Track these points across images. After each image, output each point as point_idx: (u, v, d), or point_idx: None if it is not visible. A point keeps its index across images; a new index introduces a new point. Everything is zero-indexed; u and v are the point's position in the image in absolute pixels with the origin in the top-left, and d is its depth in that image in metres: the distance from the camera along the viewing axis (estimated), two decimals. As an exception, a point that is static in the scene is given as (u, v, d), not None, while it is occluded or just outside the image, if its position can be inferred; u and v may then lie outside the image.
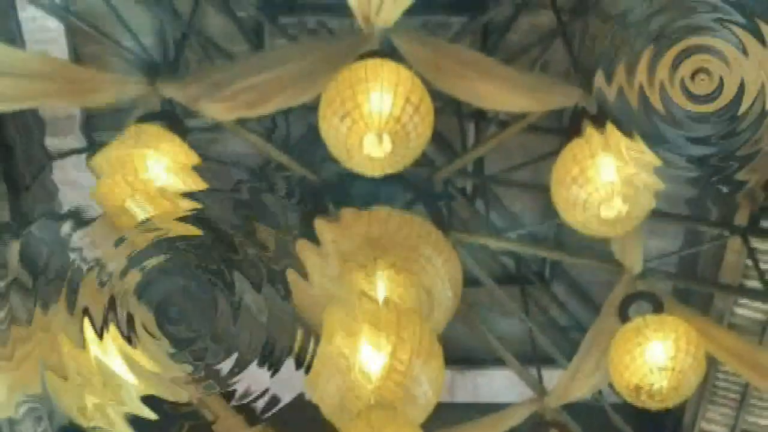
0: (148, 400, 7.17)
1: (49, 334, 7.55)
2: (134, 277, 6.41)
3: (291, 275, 6.00)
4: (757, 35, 6.69)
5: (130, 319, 7.48)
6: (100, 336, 7.61)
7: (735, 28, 6.87)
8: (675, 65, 6.87)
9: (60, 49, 9.58)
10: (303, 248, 7.67)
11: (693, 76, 6.92)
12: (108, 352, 7.95)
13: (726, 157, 7.67)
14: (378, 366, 6.86)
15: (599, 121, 7.76)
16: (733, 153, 7.61)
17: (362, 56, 7.03)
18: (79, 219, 7.47)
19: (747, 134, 7.47)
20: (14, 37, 9.13)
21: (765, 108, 7.04)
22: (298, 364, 5.80)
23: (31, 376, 8.27)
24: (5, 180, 9.05)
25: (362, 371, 6.84)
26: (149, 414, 6.63)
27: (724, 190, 8.24)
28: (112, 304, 7.35)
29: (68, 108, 9.78)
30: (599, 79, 7.65)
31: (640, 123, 7.50)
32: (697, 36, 6.82)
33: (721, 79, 6.78)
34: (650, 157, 7.64)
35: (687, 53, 6.92)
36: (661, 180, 7.51)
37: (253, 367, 6.40)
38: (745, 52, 6.75)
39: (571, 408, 9.59)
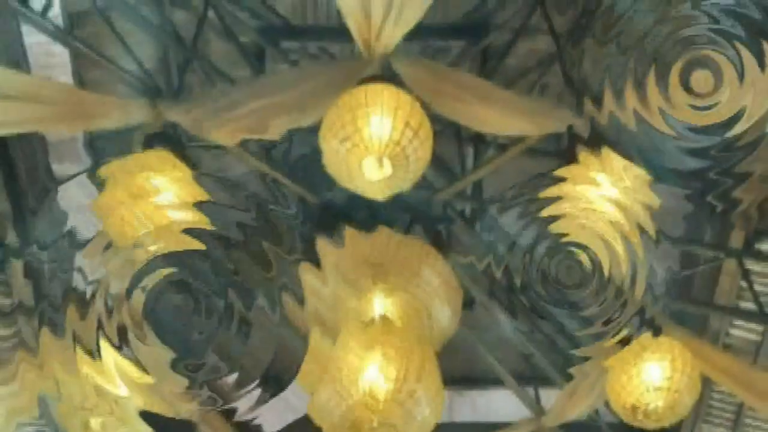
0: (149, 418, 7.19)
1: (53, 356, 7.57)
2: (137, 296, 6.45)
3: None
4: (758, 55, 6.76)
5: (128, 332, 7.49)
6: (100, 354, 7.62)
7: (737, 44, 6.94)
8: (676, 81, 6.95)
9: (65, 74, 9.60)
10: (305, 270, 7.71)
11: (691, 89, 6.99)
12: (109, 370, 7.97)
13: (722, 172, 7.71)
14: (378, 386, 6.86)
15: (593, 143, 7.81)
16: (729, 169, 7.65)
17: (363, 81, 7.04)
18: (80, 239, 7.49)
19: (744, 152, 7.51)
20: (20, 62, 9.15)
21: (765, 130, 7.10)
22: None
23: (32, 400, 8.29)
24: (11, 202, 9.05)
25: (363, 392, 6.84)
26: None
27: (718, 207, 8.29)
28: (113, 321, 7.37)
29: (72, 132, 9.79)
30: (589, 103, 7.72)
31: (635, 140, 7.56)
32: (695, 50, 6.91)
33: (720, 92, 6.86)
34: (645, 177, 7.70)
35: (686, 70, 6.99)
36: (657, 197, 7.57)
37: (256, 385, 6.42)
38: (743, 73, 6.82)
39: (568, 427, 9.58)
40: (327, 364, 7.15)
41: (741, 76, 7.02)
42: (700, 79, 7.16)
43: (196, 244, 7.47)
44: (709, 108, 7.21)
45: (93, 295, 7.66)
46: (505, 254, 8.63)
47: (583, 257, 8.35)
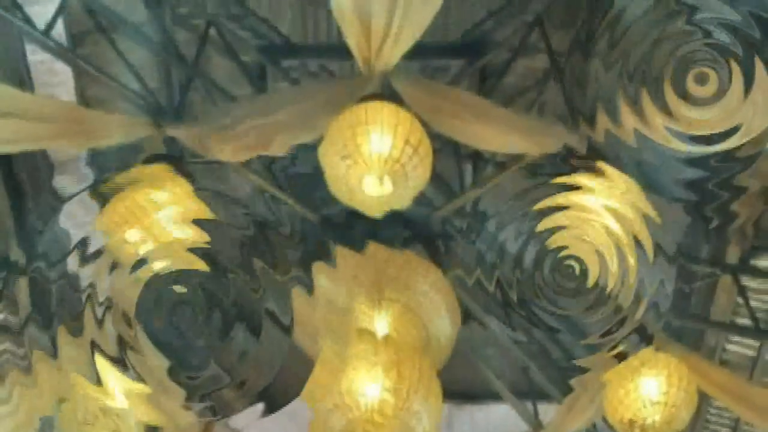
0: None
1: (57, 372, 7.58)
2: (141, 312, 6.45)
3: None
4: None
5: (132, 348, 7.50)
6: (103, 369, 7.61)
7: (732, 61, 6.98)
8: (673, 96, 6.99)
9: (67, 92, 9.60)
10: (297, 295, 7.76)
11: (688, 103, 7.02)
12: (111, 387, 7.97)
13: (720, 183, 7.73)
14: (378, 401, 6.86)
15: (590, 157, 7.85)
16: (727, 180, 7.67)
17: (363, 99, 7.06)
18: (85, 255, 7.51)
19: (742, 164, 7.54)
20: (23, 80, 9.16)
21: (762, 147, 7.12)
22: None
23: (30, 419, 8.29)
24: (14, 218, 9.06)
25: (363, 406, 6.84)
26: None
27: (714, 221, 8.31)
28: (116, 337, 7.37)
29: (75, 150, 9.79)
30: (585, 121, 7.75)
31: (633, 152, 7.59)
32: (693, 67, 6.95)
33: (716, 107, 6.92)
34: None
35: (683, 85, 7.04)
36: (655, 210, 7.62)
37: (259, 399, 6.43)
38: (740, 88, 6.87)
39: (566, 441, 9.58)
40: (329, 378, 7.16)
41: (738, 91, 7.06)
42: (697, 93, 7.20)
43: (200, 264, 7.52)
44: (706, 121, 7.26)
45: (95, 311, 7.70)
46: (501, 267, 8.65)
47: (580, 269, 8.39)
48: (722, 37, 7.14)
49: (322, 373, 7.30)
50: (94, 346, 7.85)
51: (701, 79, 7.18)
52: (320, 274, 7.95)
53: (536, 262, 8.58)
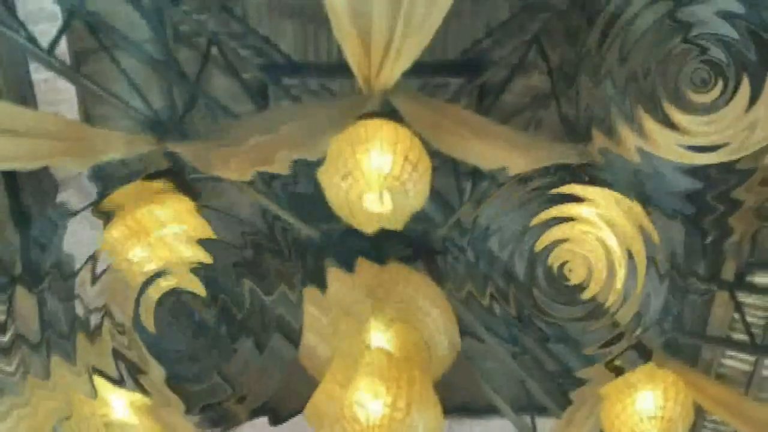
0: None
1: (61, 387, 7.56)
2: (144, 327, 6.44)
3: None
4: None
5: (137, 367, 7.50)
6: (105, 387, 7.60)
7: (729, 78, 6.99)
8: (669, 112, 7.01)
9: (71, 110, 9.60)
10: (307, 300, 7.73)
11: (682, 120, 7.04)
12: (115, 403, 7.96)
13: (717, 196, 7.74)
14: (378, 415, 6.86)
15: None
16: (723, 193, 7.68)
17: (363, 116, 7.06)
18: (90, 272, 7.50)
19: (738, 177, 7.55)
20: (27, 98, 9.16)
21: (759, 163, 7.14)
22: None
23: (48, 421, 8.27)
24: (20, 234, 9.05)
25: (365, 420, 6.84)
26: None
27: (710, 235, 8.31)
28: (118, 352, 7.37)
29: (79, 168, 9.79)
30: (582, 137, 7.76)
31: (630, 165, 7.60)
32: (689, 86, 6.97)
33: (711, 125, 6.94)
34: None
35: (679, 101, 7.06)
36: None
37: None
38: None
39: (565, 456, 9.56)
40: (333, 393, 7.18)
41: (738, 106, 7.07)
42: (695, 108, 7.23)
43: (199, 287, 7.55)
44: (704, 134, 7.28)
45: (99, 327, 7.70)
46: (499, 281, 8.67)
47: (579, 282, 8.41)
48: (719, 54, 7.15)
49: (325, 388, 7.32)
50: (106, 357, 7.90)
51: (699, 95, 7.20)
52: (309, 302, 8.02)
53: (536, 277, 8.61)
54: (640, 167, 7.75)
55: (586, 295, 8.47)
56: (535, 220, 8.43)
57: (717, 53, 7.17)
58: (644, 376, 8.45)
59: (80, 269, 7.62)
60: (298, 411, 7.66)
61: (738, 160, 7.60)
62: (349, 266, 8.20)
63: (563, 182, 8.27)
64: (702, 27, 7.14)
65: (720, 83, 7.15)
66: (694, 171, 7.80)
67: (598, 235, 8.24)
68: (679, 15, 7.16)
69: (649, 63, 7.33)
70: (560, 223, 8.38)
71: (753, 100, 7.04)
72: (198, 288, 7.62)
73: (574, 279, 8.48)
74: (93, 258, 7.78)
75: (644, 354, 8.61)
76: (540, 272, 8.69)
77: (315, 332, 8.19)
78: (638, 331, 8.70)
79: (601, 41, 7.57)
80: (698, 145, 7.38)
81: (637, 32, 7.41)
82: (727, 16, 6.98)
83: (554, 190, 8.32)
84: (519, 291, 9.54)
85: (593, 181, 8.13)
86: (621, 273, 8.27)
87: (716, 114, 7.20)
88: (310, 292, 8.09)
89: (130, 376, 8.20)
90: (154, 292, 7.83)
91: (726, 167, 7.73)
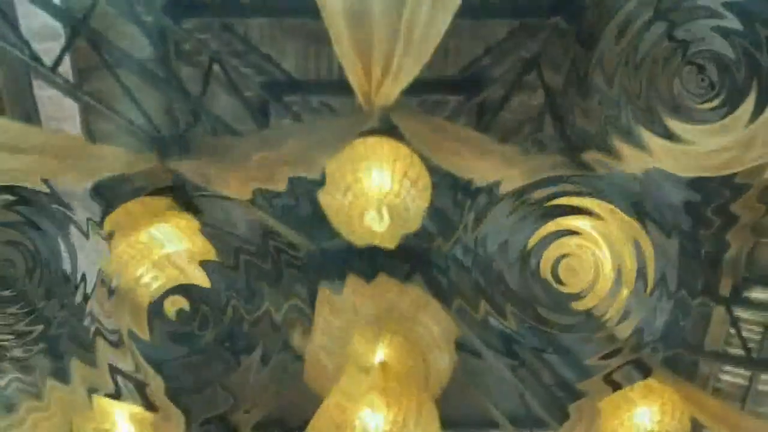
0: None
1: (65, 403, 7.54)
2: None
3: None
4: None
5: (140, 384, 7.48)
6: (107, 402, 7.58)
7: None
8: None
9: (74, 126, 9.59)
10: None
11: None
12: (115, 415, 7.94)
13: (714, 210, 7.72)
14: (378, 431, 6.85)
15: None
16: (721, 207, 7.66)
17: (363, 134, 7.06)
18: (93, 289, 7.48)
19: (735, 191, 7.53)
20: (31, 115, 9.16)
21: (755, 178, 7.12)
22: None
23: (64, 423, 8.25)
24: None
25: (364, 436, 6.84)
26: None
27: (705, 249, 8.30)
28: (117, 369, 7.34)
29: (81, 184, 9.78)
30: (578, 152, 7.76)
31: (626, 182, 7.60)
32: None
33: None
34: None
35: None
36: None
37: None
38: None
39: (563, 470, 9.54)
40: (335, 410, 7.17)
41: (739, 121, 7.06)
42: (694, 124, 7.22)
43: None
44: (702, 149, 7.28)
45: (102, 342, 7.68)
46: (499, 296, 8.66)
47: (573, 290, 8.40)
48: (714, 73, 7.14)
49: (331, 402, 7.31)
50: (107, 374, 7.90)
51: (696, 110, 7.19)
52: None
53: (534, 289, 8.61)
54: (637, 180, 7.75)
55: (580, 306, 8.44)
56: (533, 239, 8.40)
57: (714, 70, 7.15)
58: (642, 390, 8.43)
59: (78, 285, 7.59)
60: (306, 424, 7.63)
61: (736, 175, 7.59)
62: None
63: (560, 195, 8.26)
64: (700, 44, 7.12)
65: (719, 97, 7.13)
66: (691, 184, 7.79)
67: (594, 248, 8.22)
68: (677, 34, 7.14)
69: (648, 80, 7.31)
70: (558, 237, 8.36)
71: (753, 117, 7.01)
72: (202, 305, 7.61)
73: (572, 289, 8.46)
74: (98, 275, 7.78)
75: (643, 370, 8.58)
76: (538, 286, 8.69)
77: (317, 350, 8.19)
78: (634, 344, 8.69)
79: (600, 60, 7.55)
80: (697, 157, 7.37)
81: (635, 51, 7.40)
82: (725, 33, 6.97)
83: (552, 203, 8.30)
84: (517, 303, 9.57)
85: (589, 194, 8.12)
86: (616, 287, 8.25)
87: (716, 124, 7.17)
88: (322, 301, 8.07)
89: (135, 389, 8.20)
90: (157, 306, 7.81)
91: (724, 181, 7.72)
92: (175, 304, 8.08)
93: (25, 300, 8.22)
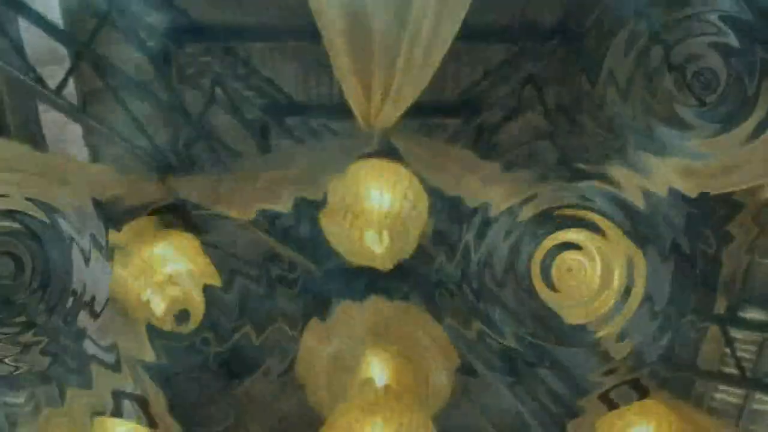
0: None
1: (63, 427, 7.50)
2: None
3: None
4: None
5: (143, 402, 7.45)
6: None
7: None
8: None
9: (78, 148, 9.58)
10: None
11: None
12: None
13: (711, 229, 7.69)
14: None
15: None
16: (718, 227, 7.64)
17: (363, 156, 7.06)
18: (96, 309, 7.45)
19: (729, 209, 7.51)
20: (36, 137, 9.14)
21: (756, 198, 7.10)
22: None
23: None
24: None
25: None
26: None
27: (702, 271, 8.27)
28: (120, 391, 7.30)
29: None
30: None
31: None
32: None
33: None
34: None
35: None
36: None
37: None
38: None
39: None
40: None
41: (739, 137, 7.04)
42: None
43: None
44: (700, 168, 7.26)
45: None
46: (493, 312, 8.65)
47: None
48: (707, 95, 7.13)
49: (332, 424, 7.29)
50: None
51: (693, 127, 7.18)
52: (311, 329, 7.97)
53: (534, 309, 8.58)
54: (633, 200, 7.73)
55: (571, 320, 8.41)
56: (535, 254, 8.37)
57: (710, 90, 7.14)
58: (638, 409, 8.39)
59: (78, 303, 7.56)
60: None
61: (732, 195, 7.58)
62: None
63: (556, 212, 8.24)
64: (697, 63, 7.10)
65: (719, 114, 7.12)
66: (687, 204, 7.77)
67: (587, 264, 8.20)
68: (673, 59, 7.14)
69: (644, 103, 7.31)
70: (560, 251, 8.33)
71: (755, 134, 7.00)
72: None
73: (568, 303, 8.43)
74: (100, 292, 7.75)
75: (639, 389, 8.55)
76: (536, 302, 8.67)
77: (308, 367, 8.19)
78: (631, 364, 8.67)
79: (595, 83, 7.55)
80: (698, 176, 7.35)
81: (626, 71, 7.40)
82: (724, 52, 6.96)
83: (556, 212, 8.29)
84: (514, 320, 9.57)
85: (585, 211, 8.10)
86: (616, 306, 8.22)
87: (714, 140, 7.15)
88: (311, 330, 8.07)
89: (137, 406, 8.17)
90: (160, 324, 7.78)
91: (720, 201, 7.70)
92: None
93: (24, 314, 8.22)
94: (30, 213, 7.76)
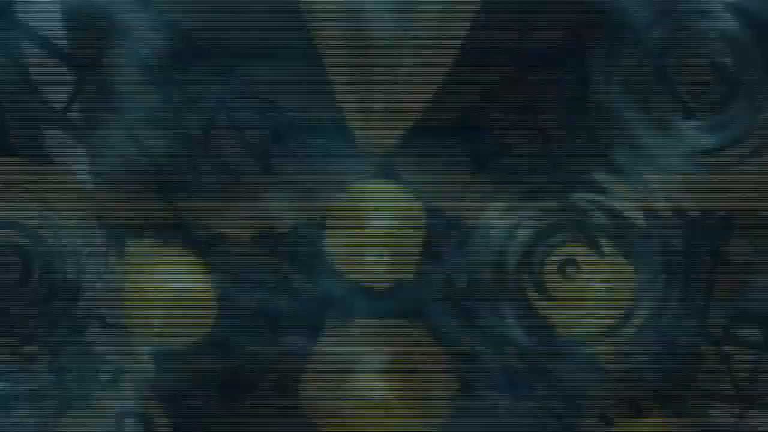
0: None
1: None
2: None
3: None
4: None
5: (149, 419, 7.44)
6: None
7: None
8: None
9: (83, 170, 9.57)
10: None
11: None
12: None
13: (707, 248, 7.67)
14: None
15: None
16: (713, 245, 7.60)
17: (363, 177, 7.05)
18: (104, 325, 7.43)
19: (724, 225, 7.48)
20: (42, 159, 9.13)
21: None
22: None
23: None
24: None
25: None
26: None
27: (697, 289, 8.25)
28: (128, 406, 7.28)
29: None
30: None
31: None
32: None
33: None
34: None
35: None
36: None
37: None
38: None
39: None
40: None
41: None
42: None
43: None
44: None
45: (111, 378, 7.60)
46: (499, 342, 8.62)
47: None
48: (708, 112, 7.13)
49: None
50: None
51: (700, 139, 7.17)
52: (314, 346, 7.93)
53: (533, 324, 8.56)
54: (631, 216, 7.71)
55: (568, 336, 8.39)
56: (535, 269, 8.36)
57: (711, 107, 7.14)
58: (634, 428, 8.36)
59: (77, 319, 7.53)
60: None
61: (728, 213, 7.57)
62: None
63: (552, 229, 8.23)
64: (698, 78, 7.11)
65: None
66: (683, 223, 7.75)
67: (584, 281, 8.18)
68: (674, 76, 7.13)
69: (643, 121, 7.30)
70: (559, 266, 8.31)
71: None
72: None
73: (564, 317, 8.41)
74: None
75: (635, 407, 8.52)
76: (533, 317, 8.66)
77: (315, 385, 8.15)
78: (626, 382, 8.63)
79: (595, 106, 7.55)
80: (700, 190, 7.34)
81: (620, 90, 7.40)
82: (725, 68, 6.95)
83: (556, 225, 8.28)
84: (510, 336, 9.56)
85: (582, 227, 8.08)
86: (609, 321, 8.21)
87: (713, 156, 7.15)
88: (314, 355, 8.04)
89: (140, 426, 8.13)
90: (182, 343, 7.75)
91: (716, 219, 7.68)
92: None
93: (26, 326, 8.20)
94: (35, 228, 7.76)
